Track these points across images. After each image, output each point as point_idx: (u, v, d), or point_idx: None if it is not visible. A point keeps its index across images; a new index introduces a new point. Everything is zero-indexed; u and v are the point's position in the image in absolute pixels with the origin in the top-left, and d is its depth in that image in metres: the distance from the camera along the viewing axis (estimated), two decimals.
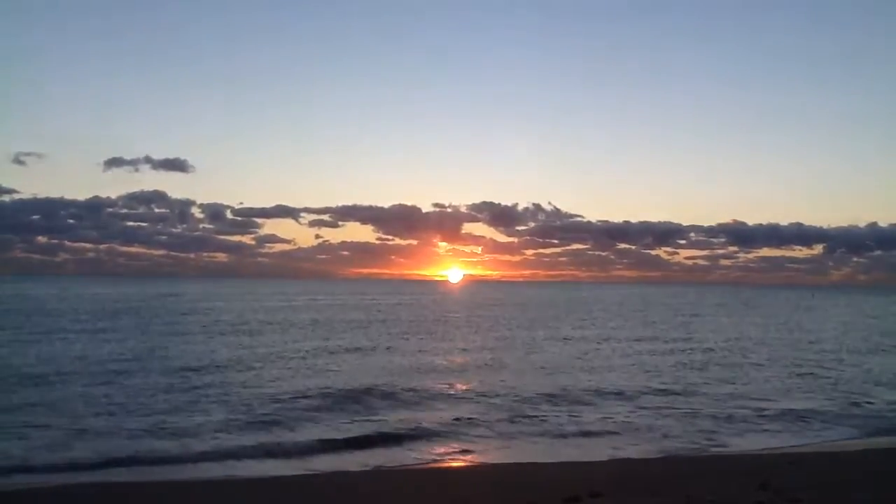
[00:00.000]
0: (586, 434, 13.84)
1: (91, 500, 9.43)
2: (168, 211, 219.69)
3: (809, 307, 79.14)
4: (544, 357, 26.37)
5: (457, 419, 14.89)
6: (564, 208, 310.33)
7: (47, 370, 20.36)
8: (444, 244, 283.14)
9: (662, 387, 19.45)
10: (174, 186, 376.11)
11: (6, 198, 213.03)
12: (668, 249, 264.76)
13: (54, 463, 11.20)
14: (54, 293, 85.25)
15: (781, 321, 52.37)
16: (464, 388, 18.76)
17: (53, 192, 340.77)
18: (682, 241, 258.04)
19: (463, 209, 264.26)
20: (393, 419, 14.68)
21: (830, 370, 23.95)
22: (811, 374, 22.91)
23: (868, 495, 9.49)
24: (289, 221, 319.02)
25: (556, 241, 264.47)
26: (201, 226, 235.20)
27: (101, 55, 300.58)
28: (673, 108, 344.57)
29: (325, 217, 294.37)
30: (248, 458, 11.79)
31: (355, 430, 13.74)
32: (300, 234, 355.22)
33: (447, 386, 19.00)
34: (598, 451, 12.62)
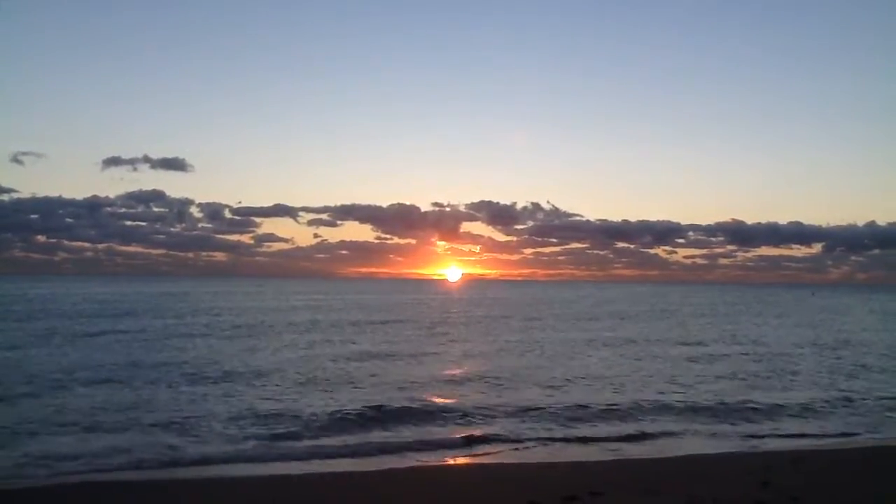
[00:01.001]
0: (592, 438, 13.65)
1: (100, 499, 9.49)
2: (166, 210, 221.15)
3: (829, 307, 77.77)
4: (575, 362, 24.87)
5: (468, 415, 14.96)
6: (563, 207, 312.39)
7: (56, 373, 20.31)
8: (442, 243, 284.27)
9: (697, 395, 18.27)
10: (173, 186, 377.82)
11: (5, 197, 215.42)
12: (667, 248, 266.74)
13: (69, 462, 11.27)
14: (55, 293, 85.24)
15: (812, 321, 51.51)
16: (482, 396, 17.65)
17: (52, 191, 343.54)
18: (681, 240, 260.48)
19: (461, 208, 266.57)
20: (403, 427, 14.26)
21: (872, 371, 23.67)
22: (855, 375, 22.47)
23: (870, 494, 9.54)
24: (287, 220, 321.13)
25: (554, 240, 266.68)
26: (200, 225, 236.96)
27: (100, 55, 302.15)
28: (672, 107, 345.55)
29: (324, 216, 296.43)
30: (259, 461, 11.74)
31: (365, 434, 13.60)
32: (299, 234, 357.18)
33: (463, 395, 17.75)
34: (600, 452, 12.62)
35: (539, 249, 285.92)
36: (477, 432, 13.80)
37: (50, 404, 15.56)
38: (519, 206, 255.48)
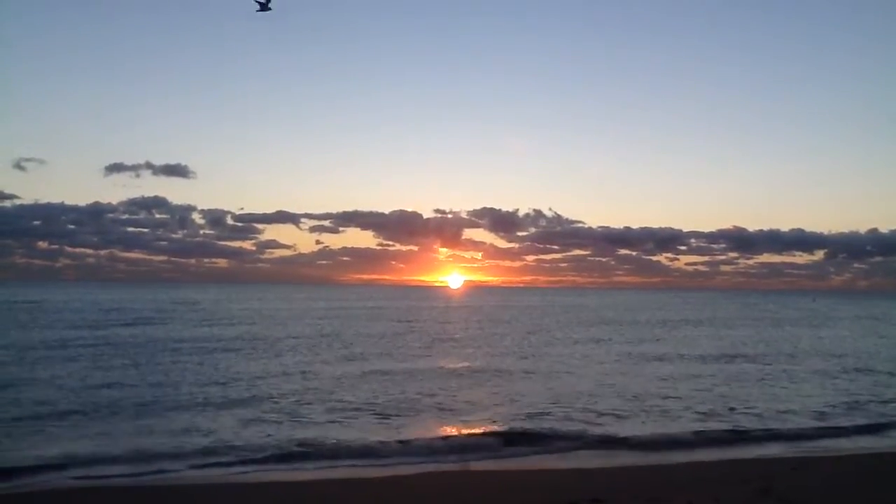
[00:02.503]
0: (595, 445, 13.62)
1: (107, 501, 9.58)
2: (169, 216, 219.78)
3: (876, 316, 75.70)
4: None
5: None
6: (565, 214, 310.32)
7: (59, 379, 20.43)
8: (444, 250, 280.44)
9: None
10: (175, 192, 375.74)
11: (7, 203, 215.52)
12: (669, 255, 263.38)
13: (68, 467, 11.39)
14: (61, 300, 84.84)
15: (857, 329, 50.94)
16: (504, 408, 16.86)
17: (54, 197, 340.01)
18: (683, 247, 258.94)
19: (464, 215, 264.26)
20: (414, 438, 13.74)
21: None
22: None
23: (871, 501, 9.51)
24: (289, 227, 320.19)
25: (556, 247, 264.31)
26: (202, 231, 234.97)
27: (102, 60, 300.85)
28: (674, 114, 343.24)
29: (326, 223, 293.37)
30: (267, 469, 11.75)
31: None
32: (301, 240, 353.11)
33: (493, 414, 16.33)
34: (601, 459, 12.61)
35: (541, 256, 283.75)
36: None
37: (50, 411, 15.60)
38: (521, 212, 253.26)
